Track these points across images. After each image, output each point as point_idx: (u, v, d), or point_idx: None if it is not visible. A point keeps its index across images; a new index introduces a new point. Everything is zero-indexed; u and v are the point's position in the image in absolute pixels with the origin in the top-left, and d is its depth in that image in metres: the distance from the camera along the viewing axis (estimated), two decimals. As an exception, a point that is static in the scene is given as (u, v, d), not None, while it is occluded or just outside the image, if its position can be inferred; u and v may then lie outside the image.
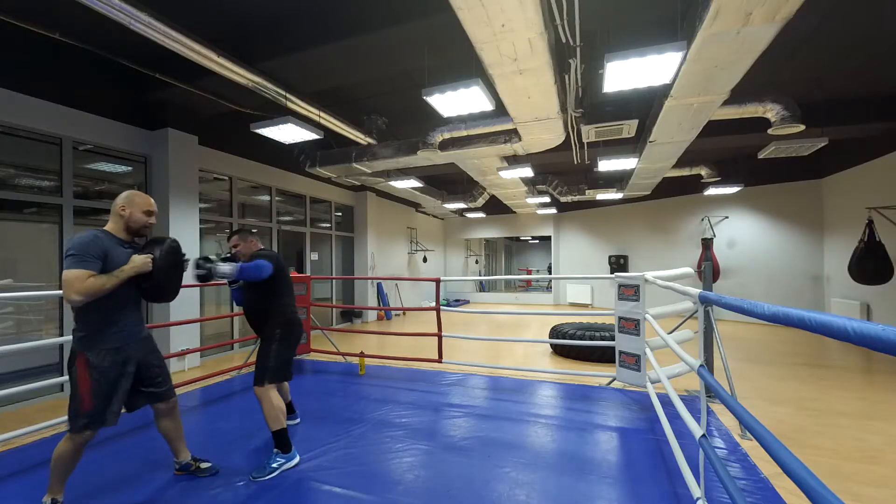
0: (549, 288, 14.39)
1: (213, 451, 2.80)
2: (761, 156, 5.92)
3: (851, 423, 3.35)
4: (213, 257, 2.41)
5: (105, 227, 2.10)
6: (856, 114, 5.55)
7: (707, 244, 8.68)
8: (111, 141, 4.71)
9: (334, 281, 8.91)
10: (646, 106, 5.01)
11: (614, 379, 4.03)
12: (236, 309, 6.32)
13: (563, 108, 4.40)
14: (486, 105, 3.88)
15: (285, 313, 2.72)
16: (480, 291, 14.76)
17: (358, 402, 3.75)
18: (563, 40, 3.22)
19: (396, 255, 11.20)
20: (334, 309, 8.78)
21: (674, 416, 2.81)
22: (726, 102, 4.18)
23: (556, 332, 5.80)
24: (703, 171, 7.83)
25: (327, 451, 2.75)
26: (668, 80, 3.51)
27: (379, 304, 9.82)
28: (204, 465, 2.50)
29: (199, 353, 5.29)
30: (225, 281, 2.60)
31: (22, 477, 2.48)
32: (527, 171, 6.92)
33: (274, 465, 2.47)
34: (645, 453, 2.71)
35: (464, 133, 5.25)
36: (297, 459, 2.57)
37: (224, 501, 2.20)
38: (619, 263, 11.33)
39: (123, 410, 2.14)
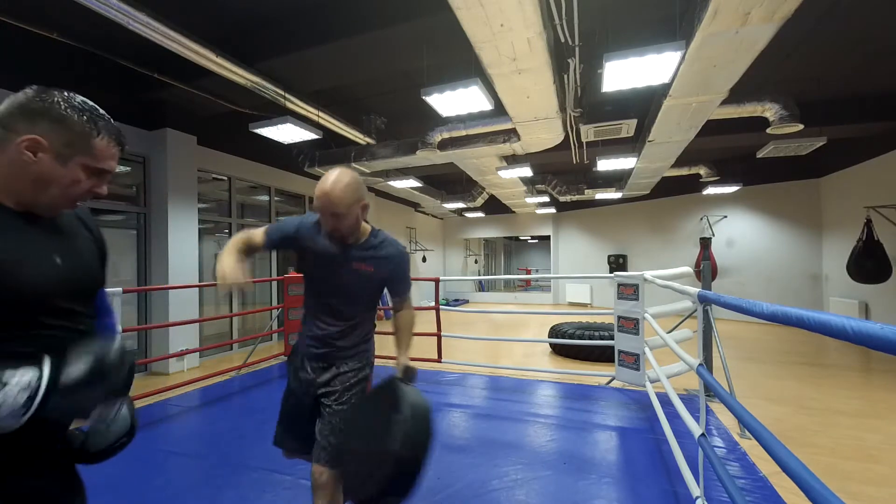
0: (543, 288, 14.39)
1: (213, 450, 2.80)
2: (760, 155, 5.93)
3: (850, 421, 3.35)
4: None
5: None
6: (854, 113, 5.56)
7: (706, 243, 8.70)
8: (110, 141, 4.70)
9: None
10: (645, 105, 5.01)
11: (613, 378, 4.03)
12: (235, 309, 6.34)
13: (562, 108, 4.41)
14: (485, 105, 3.88)
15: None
16: (480, 291, 14.75)
17: (357, 402, 3.74)
18: (562, 40, 3.22)
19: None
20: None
21: (673, 416, 2.81)
22: (725, 102, 4.18)
23: (555, 332, 5.80)
24: (702, 171, 7.84)
25: (327, 451, 2.75)
26: (666, 80, 3.51)
27: (378, 304, 9.81)
28: None
29: (198, 353, 5.28)
30: None
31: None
32: (526, 171, 6.93)
33: None
34: (644, 452, 2.72)
35: (463, 133, 5.25)
36: None
37: (225, 499, 2.20)
38: (618, 263, 11.34)
39: None
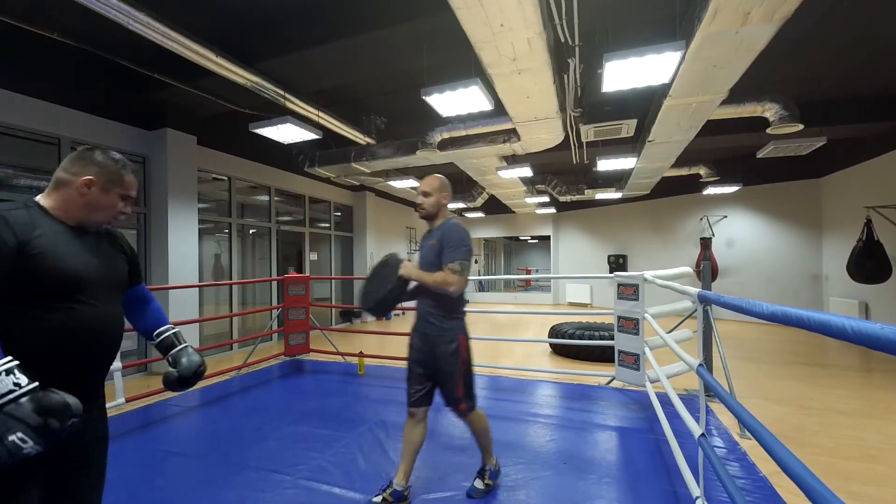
0: (542, 288, 14.36)
1: (213, 450, 2.80)
2: (760, 155, 5.93)
3: (850, 421, 3.35)
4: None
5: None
6: (854, 113, 5.56)
7: (706, 243, 8.70)
8: (109, 141, 4.70)
9: (333, 281, 8.91)
10: (645, 105, 5.01)
11: (613, 378, 4.03)
12: (235, 309, 6.34)
13: (562, 108, 4.41)
14: (485, 105, 3.88)
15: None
16: (480, 291, 14.75)
17: (357, 403, 3.75)
18: (562, 40, 3.22)
19: (396, 255, 11.20)
20: (333, 309, 8.78)
21: (673, 416, 2.81)
22: (725, 102, 4.19)
23: (555, 332, 5.80)
24: (702, 171, 7.84)
25: (327, 452, 2.75)
26: (666, 80, 3.51)
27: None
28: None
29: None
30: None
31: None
32: (526, 171, 6.93)
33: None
34: (644, 452, 2.72)
35: (463, 133, 5.25)
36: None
37: (225, 499, 2.20)
38: (618, 263, 11.34)
39: None
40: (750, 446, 2.72)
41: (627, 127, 4.94)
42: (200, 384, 4.23)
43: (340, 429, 3.12)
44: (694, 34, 2.91)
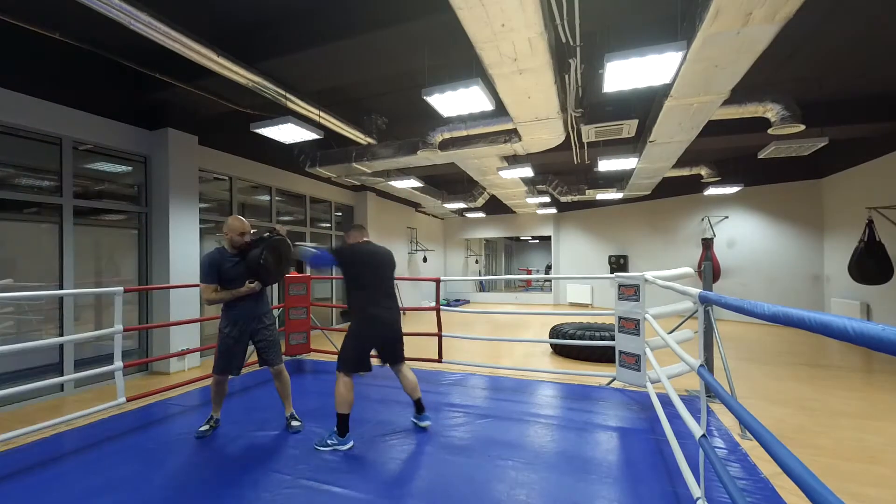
0: (543, 288, 14.32)
1: (214, 450, 2.80)
2: (761, 156, 5.92)
3: (851, 422, 3.35)
4: (306, 245, 3.00)
5: (222, 245, 3.01)
6: (856, 113, 5.55)
7: (707, 244, 8.69)
8: (111, 141, 4.71)
9: (334, 281, 8.90)
10: (646, 106, 5.01)
11: (614, 379, 4.02)
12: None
13: (563, 108, 4.40)
14: (486, 105, 3.88)
15: (356, 309, 2.96)
16: (480, 291, 14.75)
17: (358, 402, 3.73)
18: (563, 40, 3.22)
19: (396, 255, 11.16)
20: (334, 309, 8.78)
21: (674, 416, 2.81)
22: (726, 102, 4.18)
23: (556, 332, 5.80)
24: (703, 171, 7.83)
25: (327, 451, 2.75)
26: (668, 80, 3.51)
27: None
28: (294, 423, 3.14)
29: (199, 352, 5.28)
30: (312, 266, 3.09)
31: (22, 477, 2.48)
32: (527, 171, 6.92)
33: (328, 442, 2.81)
34: (645, 453, 2.71)
35: (464, 133, 5.25)
36: (349, 445, 2.81)
37: (225, 499, 2.20)
38: (618, 263, 11.33)
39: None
40: (751, 447, 2.72)
41: (628, 127, 4.94)
42: (200, 384, 4.25)
43: (341, 429, 3.12)
44: (695, 34, 2.91)
